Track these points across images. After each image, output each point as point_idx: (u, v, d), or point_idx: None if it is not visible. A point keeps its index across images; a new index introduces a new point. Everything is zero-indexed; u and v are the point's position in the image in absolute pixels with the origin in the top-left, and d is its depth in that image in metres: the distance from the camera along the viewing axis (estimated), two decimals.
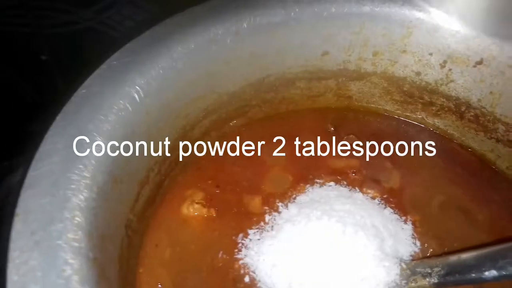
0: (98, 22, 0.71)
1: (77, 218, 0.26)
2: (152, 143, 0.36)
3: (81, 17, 0.70)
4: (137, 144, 0.34)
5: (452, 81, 0.43)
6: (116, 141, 0.31)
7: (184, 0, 0.66)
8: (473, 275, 0.32)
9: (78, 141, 0.29)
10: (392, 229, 0.39)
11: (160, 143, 0.38)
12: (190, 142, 0.43)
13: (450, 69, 0.42)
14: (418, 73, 0.44)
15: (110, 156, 0.30)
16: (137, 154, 0.34)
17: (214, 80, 0.40)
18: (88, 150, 0.29)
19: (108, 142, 0.30)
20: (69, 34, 0.72)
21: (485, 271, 0.31)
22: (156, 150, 0.38)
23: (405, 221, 0.40)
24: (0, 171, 0.58)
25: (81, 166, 0.28)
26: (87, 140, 0.29)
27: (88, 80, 0.33)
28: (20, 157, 0.58)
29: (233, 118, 0.46)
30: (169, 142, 0.39)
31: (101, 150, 0.29)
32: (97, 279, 0.24)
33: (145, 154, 0.36)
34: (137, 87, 0.33)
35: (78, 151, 0.28)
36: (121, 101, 0.32)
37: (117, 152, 0.31)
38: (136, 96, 0.33)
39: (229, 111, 0.45)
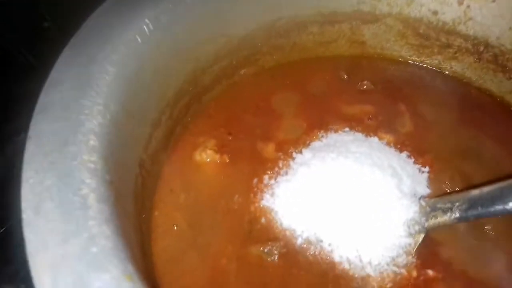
0: None
1: (91, 142, 0.25)
2: (162, 82, 0.35)
3: None
4: (148, 79, 0.33)
5: (470, 19, 0.41)
6: (127, 72, 0.30)
7: None
8: (497, 207, 0.31)
9: (88, 69, 0.28)
10: (410, 171, 0.38)
11: (171, 84, 0.37)
12: (201, 88, 0.42)
13: (468, 6, 0.41)
14: (435, 12, 0.42)
15: (121, 85, 0.29)
16: (148, 89, 0.33)
17: (223, 20, 0.39)
18: (99, 78, 0.28)
19: (118, 71, 0.29)
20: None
21: (509, 201, 0.30)
22: (167, 91, 0.37)
23: (422, 164, 0.39)
24: (6, 131, 0.57)
25: (93, 93, 0.27)
26: (98, 68, 0.28)
27: (95, 13, 0.32)
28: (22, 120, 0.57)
29: (244, 67, 0.45)
30: (179, 85, 0.38)
31: (112, 78, 0.28)
32: (114, 201, 0.24)
33: (156, 92, 0.35)
34: (146, 20, 0.32)
35: (89, 78, 0.27)
36: (130, 32, 0.31)
37: (128, 82, 0.30)
38: (146, 29, 0.32)
39: (240, 58, 0.44)
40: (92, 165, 0.24)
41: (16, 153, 0.58)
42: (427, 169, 0.39)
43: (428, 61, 0.46)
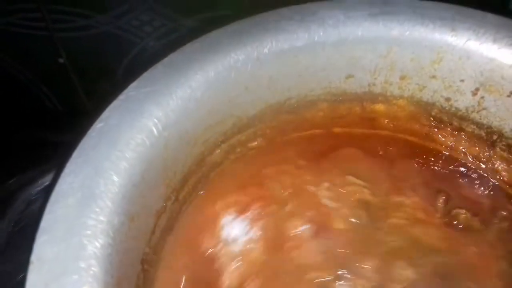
0: (116, 27, 0.70)
1: (93, 268, 0.25)
2: (169, 173, 0.35)
3: (99, 22, 0.69)
4: (154, 176, 0.33)
5: (484, 109, 0.41)
6: (133, 179, 0.30)
7: (202, 6, 0.65)
8: None
9: (94, 181, 0.28)
10: None
11: (178, 171, 0.37)
12: (209, 166, 0.42)
13: (482, 97, 0.40)
14: (447, 99, 0.42)
15: (127, 194, 0.29)
16: (154, 188, 0.33)
17: (233, 106, 0.39)
18: (104, 191, 0.28)
19: (125, 181, 0.29)
20: (86, 38, 0.71)
21: None
22: (173, 179, 0.37)
23: None
24: (18, 182, 0.58)
25: (97, 210, 0.27)
26: (104, 180, 0.28)
27: (105, 112, 0.32)
28: (42, 167, 0.58)
29: (253, 140, 0.45)
30: (186, 170, 0.38)
31: (118, 191, 0.29)
32: None
33: (162, 184, 0.35)
34: (155, 120, 0.32)
35: (94, 193, 0.28)
36: (138, 136, 0.31)
37: (134, 188, 0.30)
38: (154, 130, 0.32)
39: (249, 134, 0.44)
40: None
41: (28, 204, 0.59)
42: None
43: (439, 141, 0.45)
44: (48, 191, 0.29)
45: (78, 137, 0.31)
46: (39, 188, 0.56)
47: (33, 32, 0.70)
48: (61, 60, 0.74)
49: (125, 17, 0.69)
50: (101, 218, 0.27)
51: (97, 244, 0.26)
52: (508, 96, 0.38)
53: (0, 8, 0.68)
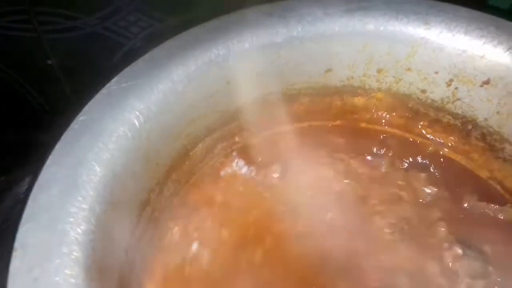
0: (103, 28, 0.71)
1: (74, 253, 0.26)
2: (151, 166, 0.36)
3: (86, 23, 0.70)
4: (136, 168, 0.34)
5: (458, 99, 0.42)
6: (115, 169, 0.31)
7: (188, 7, 0.66)
8: None
9: (77, 171, 0.29)
10: None
11: (160, 164, 0.38)
12: (193, 160, 0.43)
13: (456, 88, 0.41)
14: (423, 91, 0.43)
15: (109, 185, 0.30)
16: (136, 179, 0.34)
17: (214, 100, 0.40)
18: (86, 181, 0.29)
19: (107, 171, 0.30)
20: (74, 39, 0.72)
21: None
22: (156, 172, 0.38)
23: None
24: (6, 182, 0.58)
25: (80, 198, 0.28)
26: (86, 171, 0.29)
27: (87, 106, 0.33)
28: (28, 167, 0.58)
29: (236, 134, 0.46)
30: (169, 163, 0.39)
31: (100, 180, 0.29)
32: None
33: (145, 176, 0.36)
34: (136, 113, 0.33)
35: (77, 182, 0.28)
36: (120, 128, 0.32)
37: (116, 178, 0.31)
38: (136, 122, 0.33)
39: (232, 128, 0.45)
40: (73, 280, 0.25)
41: (15, 202, 0.59)
42: None
43: (416, 132, 0.47)
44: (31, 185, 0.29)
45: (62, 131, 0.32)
46: (26, 187, 0.57)
47: (21, 34, 0.70)
48: (49, 62, 0.74)
49: (112, 18, 0.69)
50: (84, 206, 0.28)
51: (79, 231, 0.27)
52: (481, 86, 0.40)
53: None
